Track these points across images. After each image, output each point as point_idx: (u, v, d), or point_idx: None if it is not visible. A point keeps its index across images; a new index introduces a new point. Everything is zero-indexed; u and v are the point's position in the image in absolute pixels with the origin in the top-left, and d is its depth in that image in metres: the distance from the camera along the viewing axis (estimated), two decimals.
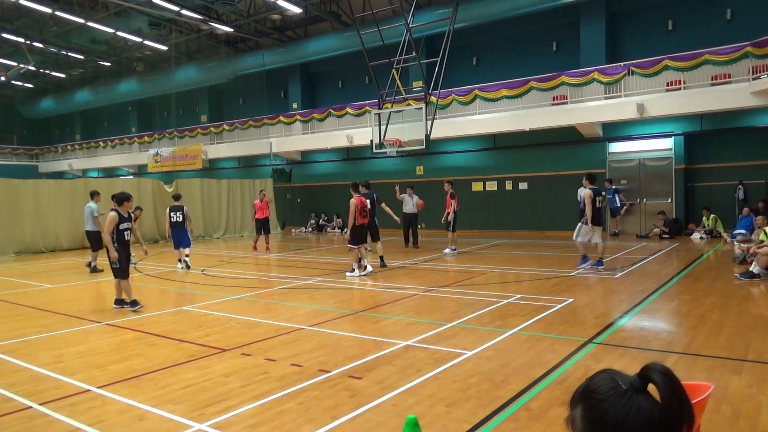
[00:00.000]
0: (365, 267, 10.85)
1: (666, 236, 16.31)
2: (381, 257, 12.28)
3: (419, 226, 16.49)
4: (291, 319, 7.27)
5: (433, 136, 14.71)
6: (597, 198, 10.82)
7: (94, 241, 12.64)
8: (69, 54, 28.75)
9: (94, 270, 12.70)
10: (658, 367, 1.22)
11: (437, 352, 5.50)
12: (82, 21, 23.45)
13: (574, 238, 11.23)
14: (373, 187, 12.38)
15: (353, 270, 10.79)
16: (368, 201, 11.37)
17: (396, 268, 11.73)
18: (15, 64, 28.97)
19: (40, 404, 4.34)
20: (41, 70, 31.15)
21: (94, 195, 12.84)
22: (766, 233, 9.97)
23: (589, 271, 10.68)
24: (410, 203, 15.38)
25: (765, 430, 3.61)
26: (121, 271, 7.98)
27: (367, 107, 20.81)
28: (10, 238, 16.69)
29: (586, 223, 10.80)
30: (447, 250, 14.18)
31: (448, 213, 14.08)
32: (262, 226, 16.10)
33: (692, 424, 1.20)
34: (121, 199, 8.07)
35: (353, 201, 10.78)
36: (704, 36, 16.48)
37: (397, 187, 16.01)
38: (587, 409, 1.23)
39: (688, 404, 1.21)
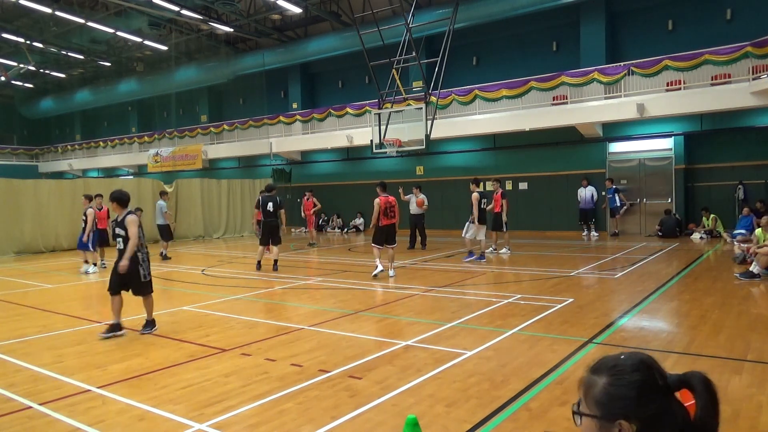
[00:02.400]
0: (377, 266, 10.58)
1: (659, 234, 16.36)
2: (259, 262, 12.14)
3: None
4: (291, 319, 7.28)
5: (433, 136, 14.70)
6: (483, 200, 12.55)
7: (165, 233, 15.18)
8: (69, 54, 28.76)
9: (165, 258, 14.76)
10: (701, 377, 1.21)
11: (437, 352, 5.50)
12: (82, 21, 23.46)
13: (463, 235, 12.88)
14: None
15: (377, 267, 10.62)
16: (395, 200, 10.90)
17: (396, 268, 11.72)
18: (15, 64, 28.98)
19: (40, 404, 4.34)
20: (41, 70, 31.16)
21: (162, 194, 15.52)
22: (762, 232, 10.00)
23: (474, 263, 12.15)
24: (414, 203, 15.33)
25: (765, 430, 3.61)
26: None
27: (367, 107, 20.81)
28: (10, 238, 16.69)
29: (473, 222, 12.45)
30: (503, 250, 14.09)
31: (498, 212, 13.73)
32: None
33: None
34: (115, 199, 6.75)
35: (377, 201, 10.46)
36: (704, 36, 16.48)
37: (400, 189, 15.91)
38: (612, 385, 1.23)
39: (718, 422, 1.20)
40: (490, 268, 11.61)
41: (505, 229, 13.78)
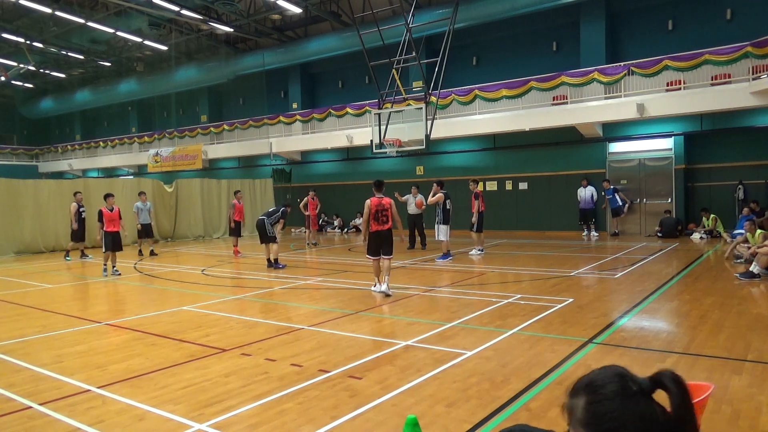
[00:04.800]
0: (376, 284, 9.01)
1: (659, 235, 16.37)
2: (268, 259, 12.64)
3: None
4: (291, 319, 7.28)
5: (433, 136, 14.70)
6: (447, 201, 13.09)
7: (150, 231, 16.07)
8: (69, 54, 28.78)
9: (152, 254, 15.75)
10: (671, 375, 1.23)
11: (437, 352, 5.50)
12: (82, 21, 23.46)
13: (436, 238, 13.34)
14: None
15: (375, 284, 9.08)
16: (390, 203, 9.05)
17: (396, 268, 11.72)
18: (15, 64, 28.98)
19: (40, 404, 4.34)
20: (41, 70, 31.17)
21: (141, 194, 16.22)
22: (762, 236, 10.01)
23: (446, 262, 12.52)
24: (413, 203, 15.32)
25: (765, 430, 3.61)
26: None
27: (367, 107, 20.82)
28: (10, 238, 16.69)
29: (441, 223, 13.01)
30: (473, 252, 14.01)
31: (474, 213, 13.89)
32: (239, 229, 15.52)
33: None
34: None
35: (367, 203, 8.84)
36: (704, 36, 16.48)
37: (396, 193, 15.79)
38: (592, 403, 1.23)
39: (695, 415, 1.22)
40: (490, 268, 11.61)
41: (473, 230, 13.93)
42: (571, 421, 1.28)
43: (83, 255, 15.51)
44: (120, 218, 12.42)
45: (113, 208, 12.30)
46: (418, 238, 15.64)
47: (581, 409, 1.25)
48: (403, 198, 15.58)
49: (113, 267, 12.15)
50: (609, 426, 1.21)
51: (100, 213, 12.19)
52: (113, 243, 12.06)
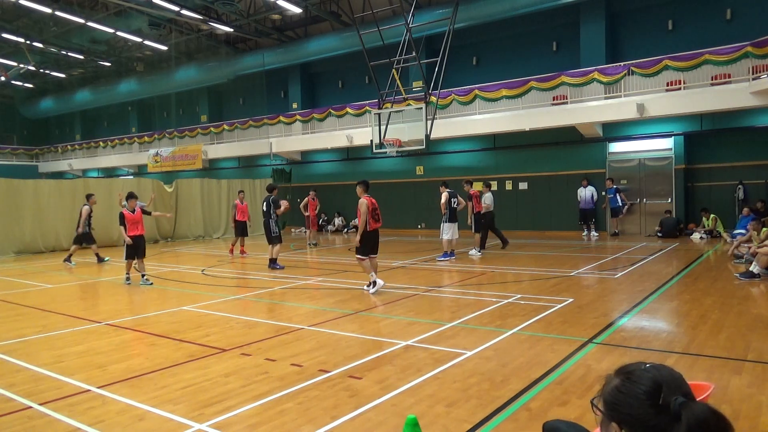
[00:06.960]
0: (374, 282, 9.05)
1: (659, 235, 16.38)
2: (270, 260, 12.49)
3: (420, 226, 16.32)
4: (291, 319, 7.27)
5: (433, 136, 14.68)
6: (452, 200, 13.08)
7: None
8: (69, 54, 28.78)
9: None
10: (695, 415, 1.17)
11: (437, 352, 5.50)
12: (82, 21, 23.47)
13: (440, 237, 13.30)
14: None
15: (370, 284, 9.10)
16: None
17: (396, 268, 11.73)
18: (15, 64, 28.99)
19: (40, 404, 4.34)
20: (41, 70, 31.18)
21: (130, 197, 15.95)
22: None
23: (446, 262, 12.58)
24: (487, 202, 14.47)
25: (765, 430, 3.61)
26: None
27: (367, 107, 20.82)
28: (10, 238, 16.69)
29: (447, 221, 13.00)
30: (473, 252, 13.93)
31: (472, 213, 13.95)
32: (243, 229, 15.34)
33: None
34: None
35: (364, 202, 9.00)
36: (704, 36, 16.49)
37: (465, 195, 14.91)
38: (619, 390, 1.30)
39: None
40: (490, 268, 11.61)
41: (473, 231, 13.98)
42: (601, 391, 1.36)
43: (68, 259, 14.22)
44: (142, 220, 10.98)
45: (135, 210, 10.80)
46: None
47: (611, 387, 1.32)
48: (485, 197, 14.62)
49: (143, 275, 10.74)
50: (617, 417, 1.27)
51: (122, 216, 10.61)
52: (136, 249, 10.68)
